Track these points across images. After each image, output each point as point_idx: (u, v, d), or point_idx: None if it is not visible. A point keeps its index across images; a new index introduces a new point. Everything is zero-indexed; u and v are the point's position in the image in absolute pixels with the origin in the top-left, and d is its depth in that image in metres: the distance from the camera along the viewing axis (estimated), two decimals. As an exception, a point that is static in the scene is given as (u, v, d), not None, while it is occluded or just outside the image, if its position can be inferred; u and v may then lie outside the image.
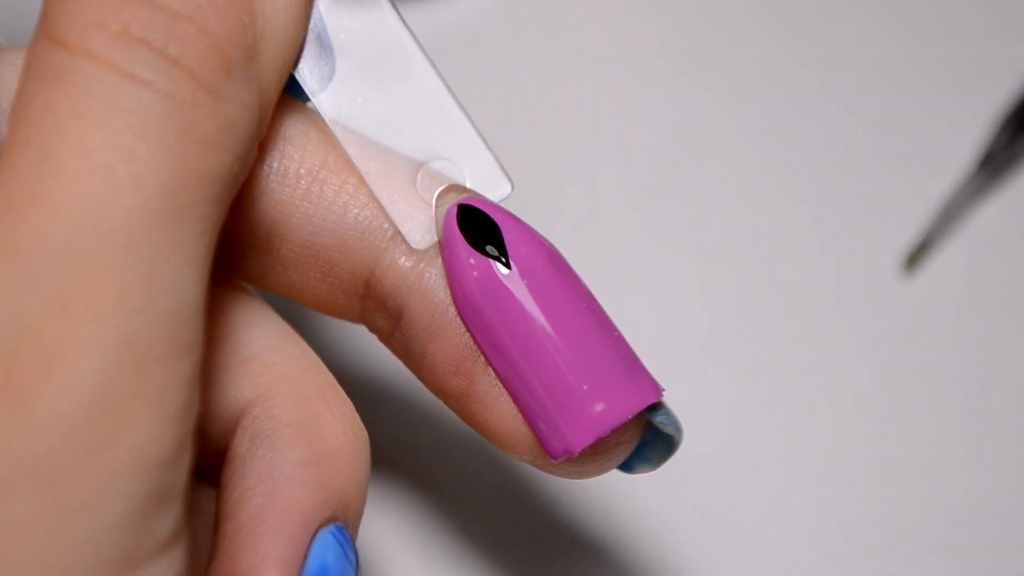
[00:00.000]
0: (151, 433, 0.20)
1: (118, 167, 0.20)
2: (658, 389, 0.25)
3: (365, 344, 0.38)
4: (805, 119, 0.43)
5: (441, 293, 0.25)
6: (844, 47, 0.44)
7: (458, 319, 0.25)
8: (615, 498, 0.37)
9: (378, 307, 0.26)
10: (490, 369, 0.25)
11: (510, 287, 0.25)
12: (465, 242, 0.25)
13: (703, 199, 0.41)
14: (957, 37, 0.44)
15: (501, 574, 0.36)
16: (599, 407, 0.24)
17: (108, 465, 0.20)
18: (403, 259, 0.25)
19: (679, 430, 0.26)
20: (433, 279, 0.25)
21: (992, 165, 0.41)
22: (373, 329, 0.27)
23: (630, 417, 0.25)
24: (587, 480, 0.36)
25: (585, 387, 0.24)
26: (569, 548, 0.36)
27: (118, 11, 0.21)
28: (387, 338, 0.27)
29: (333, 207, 0.25)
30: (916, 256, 0.40)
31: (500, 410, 0.25)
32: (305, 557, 0.23)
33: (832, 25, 0.44)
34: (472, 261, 0.25)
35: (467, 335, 0.25)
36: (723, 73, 0.44)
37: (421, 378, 0.26)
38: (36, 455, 0.19)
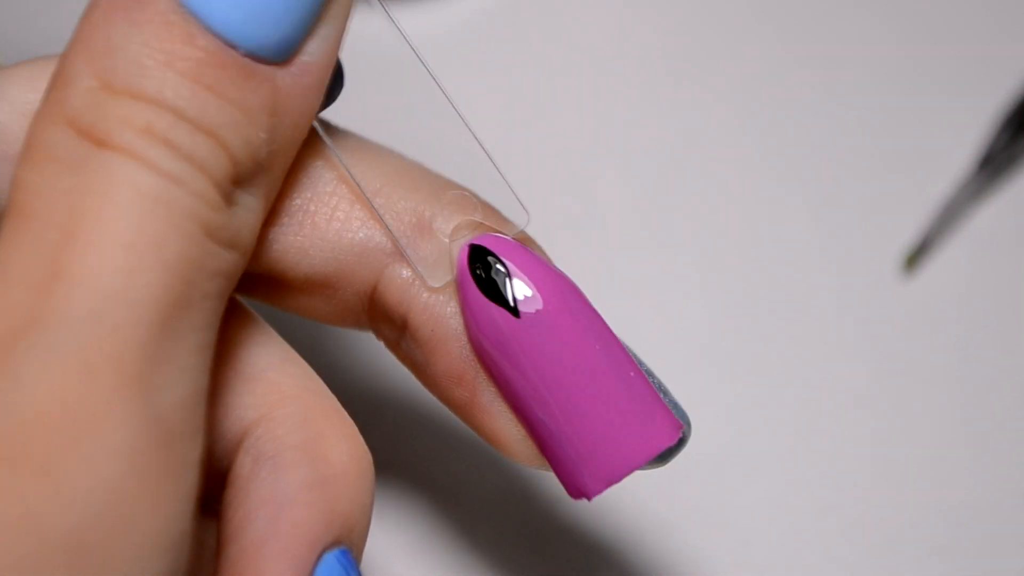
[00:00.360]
0: (171, 512, 0.20)
1: (145, 251, 0.20)
2: (674, 429, 0.25)
3: (366, 350, 0.38)
4: (805, 119, 0.43)
5: (441, 307, 0.25)
6: (844, 47, 0.44)
7: (459, 332, 0.25)
8: (615, 499, 0.37)
9: (383, 319, 0.26)
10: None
11: (519, 335, 0.25)
12: (475, 286, 0.25)
13: (703, 199, 0.41)
14: (957, 37, 0.44)
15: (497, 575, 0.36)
16: (612, 456, 0.25)
17: (135, 543, 0.20)
18: (404, 273, 0.25)
19: (687, 424, 0.26)
20: (434, 291, 0.25)
21: (992, 165, 0.41)
22: (380, 337, 0.27)
23: (643, 464, 0.25)
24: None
25: (598, 435, 0.25)
26: (569, 550, 0.36)
27: (142, 112, 0.21)
28: (394, 347, 0.27)
29: (327, 236, 0.25)
30: (916, 256, 0.40)
31: (503, 419, 0.26)
32: None
33: (832, 25, 0.44)
34: (483, 307, 0.25)
35: (468, 348, 0.25)
36: (723, 74, 0.43)
37: (427, 386, 0.27)
38: (65, 530, 0.19)
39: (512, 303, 0.25)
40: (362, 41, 0.26)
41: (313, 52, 0.23)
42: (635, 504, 0.37)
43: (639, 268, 0.40)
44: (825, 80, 0.43)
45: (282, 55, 0.22)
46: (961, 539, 0.36)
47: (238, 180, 0.22)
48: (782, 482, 0.37)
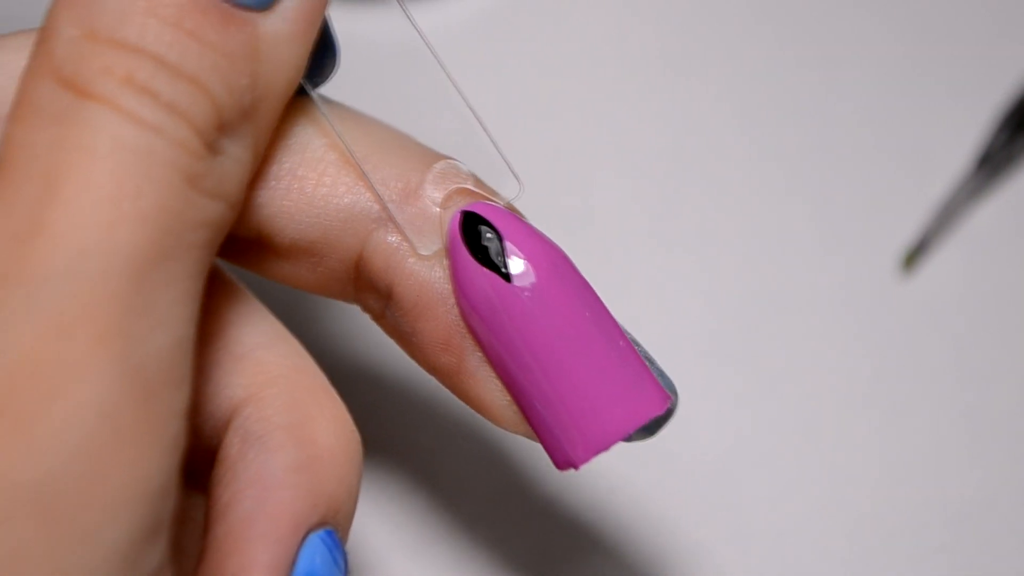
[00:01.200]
0: (149, 464, 0.20)
1: (124, 203, 0.21)
2: (663, 399, 0.25)
3: (357, 327, 0.38)
4: (805, 119, 0.43)
5: (427, 272, 0.25)
6: (844, 47, 0.44)
7: (445, 296, 0.25)
8: (614, 497, 0.37)
9: (368, 288, 0.26)
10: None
11: (510, 300, 0.25)
12: (467, 252, 0.25)
13: (703, 199, 0.41)
14: (957, 37, 0.44)
15: (496, 573, 0.36)
16: (601, 423, 0.25)
17: (109, 495, 0.20)
18: (390, 239, 0.25)
19: (675, 395, 0.26)
20: (420, 258, 0.25)
21: (990, 165, 0.41)
22: (366, 309, 0.27)
23: (632, 431, 0.25)
24: (588, 477, 0.36)
25: (587, 403, 0.25)
26: (567, 548, 0.36)
27: (123, 60, 0.21)
28: (379, 318, 0.27)
29: (314, 201, 0.25)
30: (914, 256, 0.40)
31: (490, 385, 0.26)
32: (294, 562, 0.23)
33: (832, 25, 0.44)
34: (475, 272, 0.25)
35: (455, 312, 0.25)
36: (723, 73, 0.44)
37: (412, 356, 0.27)
38: (37, 481, 0.19)
39: (504, 269, 0.25)
40: (361, 25, 0.26)
41: None
42: (635, 503, 0.37)
43: (638, 268, 0.40)
44: (825, 79, 0.43)
45: (263, 2, 0.23)
46: (962, 538, 0.36)
47: (222, 127, 0.22)
48: (782, 482, 0.37)
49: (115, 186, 0.21)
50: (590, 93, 0.43)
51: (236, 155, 0.23)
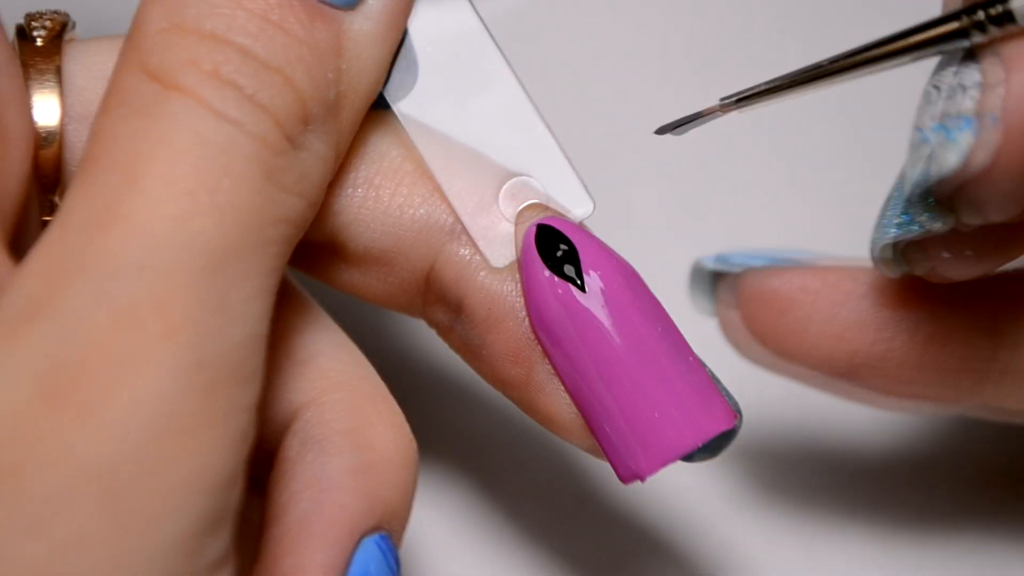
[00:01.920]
0: (214, 455, 0.20)
1: (202, 196, 0.21)
2: (731, 415, 0.25)
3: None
4: (808, 119, 0.43)
5: (499, 285, 0.25)
6: (847, 47, 0.44)
7: (516, 309, 0.25)
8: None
9: (438, 301, 0.26)
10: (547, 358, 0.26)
11: (584, 311, 0.25)
12: (542, 263, 0.25)
13: (706, 197, 0.42)
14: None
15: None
16: (668, 435, 0.25)
17: (171, 483, 0.20)
18: (462, 251, 0.25)
19: (740, 415, 0.26)
20: (492, 271, 0.26)
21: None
22: (432, 324, 0.27)
23: (700, 445, 0.25)
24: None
25: (656, 414, 0.25)
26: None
27: (210, 53, 0.21)
28: (446, 332, 0.27)
29: (389, 211, 0.25)
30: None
31: (558, 397, 0.26)
32: (348, 564, 0.24)
33: (837, 26, 0.44)
34: (548, 283, 0.25)
35: (526, 324, 0.25)
36: (725, 72, 0.44)
37: (480, 370, 0.27)
38: (100, 466, 0.19)
39: (578, 282, 0.25)
40: (436, 38, 0.26)
41: None
42: (648, 503, 0.37)
43: (646, 266, 0.40)
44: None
45: (349, 0, 0.23)
46: (962, 538, 0.37)
47: (306, 119, 0.22)
48: (782, 481, 0.37)
49: (194, 179, 0.21)
50: (597, 94, 0.43)
51: (318, 151, 0.23)
